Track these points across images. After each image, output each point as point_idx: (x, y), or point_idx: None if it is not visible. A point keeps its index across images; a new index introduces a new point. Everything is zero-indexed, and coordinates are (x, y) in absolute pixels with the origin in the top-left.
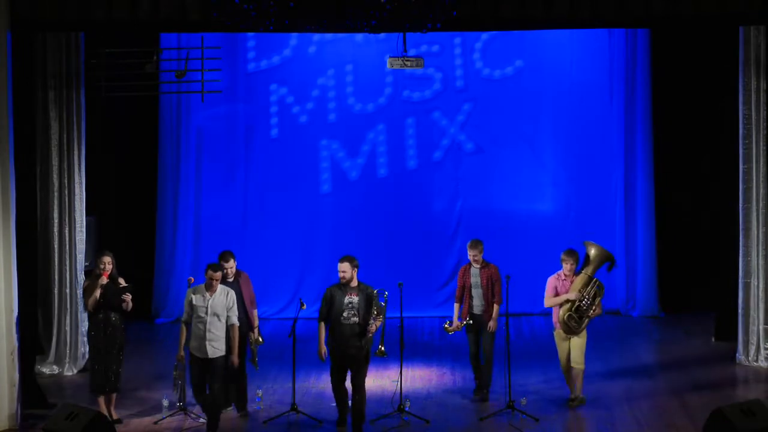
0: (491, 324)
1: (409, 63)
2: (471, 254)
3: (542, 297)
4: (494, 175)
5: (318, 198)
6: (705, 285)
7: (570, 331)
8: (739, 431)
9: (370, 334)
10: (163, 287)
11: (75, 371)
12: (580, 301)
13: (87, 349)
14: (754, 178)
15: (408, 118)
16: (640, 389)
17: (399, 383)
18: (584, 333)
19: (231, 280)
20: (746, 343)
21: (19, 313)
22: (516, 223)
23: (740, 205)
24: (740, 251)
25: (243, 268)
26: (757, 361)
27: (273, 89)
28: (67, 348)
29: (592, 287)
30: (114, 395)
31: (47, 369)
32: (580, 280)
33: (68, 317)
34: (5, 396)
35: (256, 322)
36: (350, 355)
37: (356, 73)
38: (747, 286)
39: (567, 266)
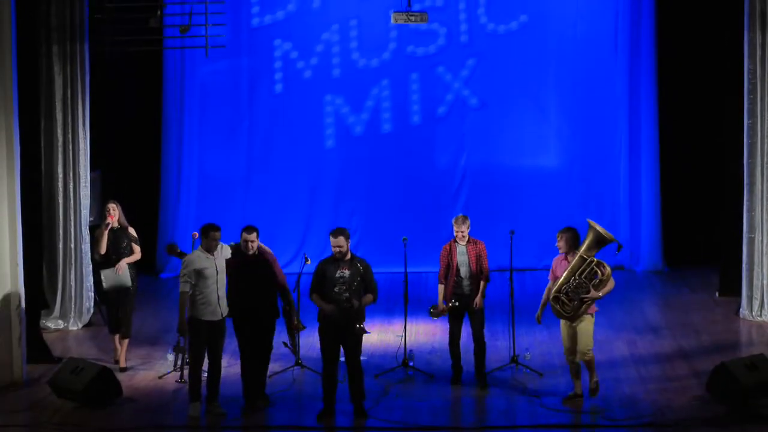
0: (478, 299)
1: (413, 18)
2: (458, 230)
3: (547, 252)
4: (499, 130)
5: (322, 153)
6: (709, 240)
7: (559, 314)
8: (742, 385)
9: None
10: (167, 242)
11: (80, 326)
12: (567, 283)
13: (92, 303)
14: (759, 133)
15: (412, 73)
16: (643, 344)
17: (403, 338)
18: (589, 318)
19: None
20: (750, 298)
21: (24, 267)
22: (520, 178)
23: (744, 160)
24: (744, 206)
25: (248, 223)
26: (761, 315)
27: (277, 44)
28: (72, 303)
29: (585, 268)
30: (126, 342)
31: (52, 323)
32: (575, 261)
33: (73, 272)
34: (10, 350)
35: (295, 306)
36: (343, 332)
37: (360, 28)
38: (751, 241)
39: (559, 245)
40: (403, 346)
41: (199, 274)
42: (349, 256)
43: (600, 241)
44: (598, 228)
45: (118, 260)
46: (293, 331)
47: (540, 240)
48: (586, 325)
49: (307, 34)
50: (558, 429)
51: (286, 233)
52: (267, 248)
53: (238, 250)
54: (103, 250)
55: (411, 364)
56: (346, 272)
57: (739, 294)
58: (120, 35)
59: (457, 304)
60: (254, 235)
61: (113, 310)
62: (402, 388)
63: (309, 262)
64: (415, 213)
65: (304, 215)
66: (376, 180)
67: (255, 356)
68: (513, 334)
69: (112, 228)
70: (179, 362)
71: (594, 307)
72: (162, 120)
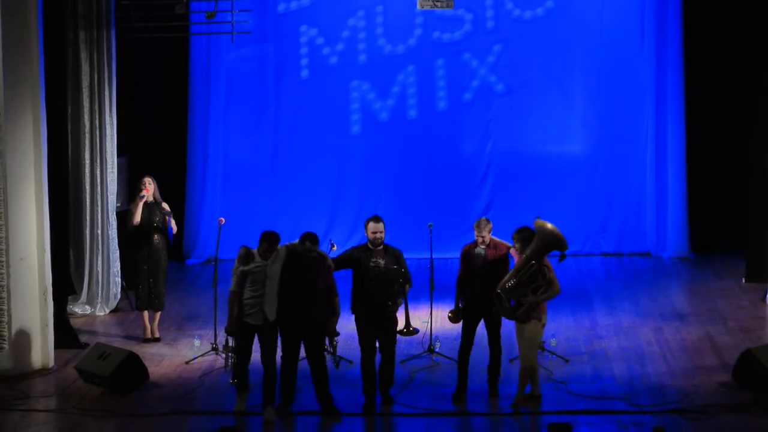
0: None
1: (439, 4)
2: (479, 235)
3: (573, 238)
4: (525, 116)
5: (348, 140)
6: (736, 226)
7: (500, 313)
8: None
9: (396, 306)
10: (193, 228)
11: (107, 311)
12: (507, 282)
13: (119, 289)
14: None
15: (438, 59)
16: (670, 331)
17: (429, 324)
18: (536, 324)
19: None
20: None
21: (51, 253)
22: (546, 164)
23: None
24: None
25: (275, 210)
26: None
27: (303, 30)
28: (99, 288)
29: (527, 271)
30: (158, 314)
31: (79, 309)
32: (519, 261)
33: (100, 258)
34: (38, 336)
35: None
36: (379, 323)
37: (386, 14)
38: None
39: (516, 246)
40: (428, 332)
41: (246, 277)
42: (382, 245)
43: (546, 245)
44: (547, 230)
45: (150, 234)
46: (331, 338)
47: (566, 226)
48: (531, 332)
49: (333, 20)
50: (584, 415)
51: (311, 219)
52: (323, 252)
53: (294, 254)
54: (137, 221)
55: (437, 350)
56: (381, 261)
57: (765, 280)
58: (146, 22)
59: (464, 305)
60: (317, 244)
61: (145, 284)
62: (428, 374)
63: (335, 248)
64: (441, 199)
65: (330, 201)
66: (402, 166)
67: (296, 359)
68: None
69: (146, 201)
70: (228, 363)
71: (543, 313)
72: (188, 106)
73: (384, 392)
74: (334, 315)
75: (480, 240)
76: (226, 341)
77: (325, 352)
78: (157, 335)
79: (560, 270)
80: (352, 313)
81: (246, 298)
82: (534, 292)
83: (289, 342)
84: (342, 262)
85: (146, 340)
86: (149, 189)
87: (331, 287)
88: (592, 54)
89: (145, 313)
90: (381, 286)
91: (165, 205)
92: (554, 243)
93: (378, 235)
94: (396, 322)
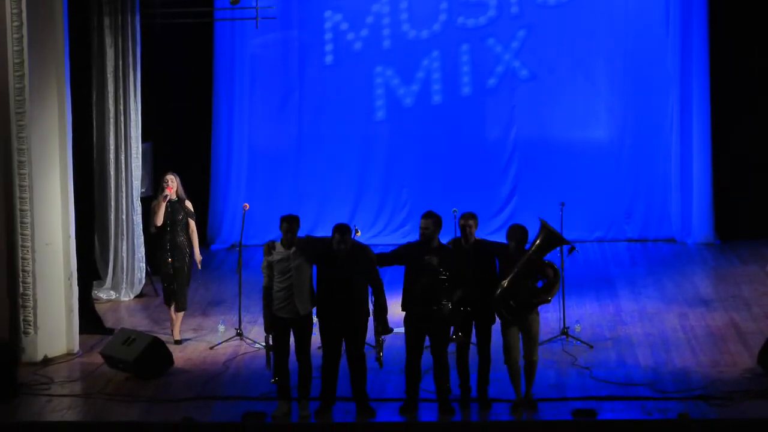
0: None
1: None
2: (465, 225)
3: (598, 224)
4: (549, 102)
5: (372, 125)
6: (761, 212)
7: (502, 318)
8: None
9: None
10: (218, 214)
11: (132, 297)
12: (513, 286)
13: (143, 274)
14: None
15: (462, 44)
16: (695, 317)
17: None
18: (537, 318)
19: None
20: None
21: (76, 239)
22: (571, 150)
23: None
24: None
25: (299, 195)
26: None
27: (327, 16)
28: (124, 274)
29: (532, 272)
30: (181, 315)
31: (104, 295)
32: (522, 264)
33: (125, 243)
34: (63, 321)
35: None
36: (429, 322)
37: None
38: None
39: (510, 244)
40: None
41: (273, 268)
42: (436, 242)
43: (551, 243)
44: (550, 228)
45: (174, 232)
46: (378, 336)
47: (590, 212)
48: (537, 326)
49: (358, 5)
50: (609, 401)
51: (336, 205)
52: (362, 245)
53: (326, 249)
54: (159, 222)
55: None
56: (434, 259)
57: None
58: (170, 7)
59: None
60: (348, 236)
61: (168, 285)
62: (455, 360)
63: (359, 234)
64: (465, 185)
65: (354, 187)
66: (426, 152)
67: (336, 358)
68: (563, 306)
69: (169, 200)
70: (270, 361)
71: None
72: (212, 92)
73: (441, 400)
74: (382, 312)
75: (469, 232)
76: (266, 338)
77: (373, 349)
78: (178, 338)
79: (586, 255)
80: (403, 310)
81: (276, 291)
82: (544, 290)
83: (328, 341)
84: (394, 257)
85: (177, 342)
86: (172, 188)
87: (375, 282)
88: (617, 39)
89: (172, 309)
90: (433, 284)
91: (188, 204)
92: (557, 240)
93: (423, 231)
94: (447, 324)
